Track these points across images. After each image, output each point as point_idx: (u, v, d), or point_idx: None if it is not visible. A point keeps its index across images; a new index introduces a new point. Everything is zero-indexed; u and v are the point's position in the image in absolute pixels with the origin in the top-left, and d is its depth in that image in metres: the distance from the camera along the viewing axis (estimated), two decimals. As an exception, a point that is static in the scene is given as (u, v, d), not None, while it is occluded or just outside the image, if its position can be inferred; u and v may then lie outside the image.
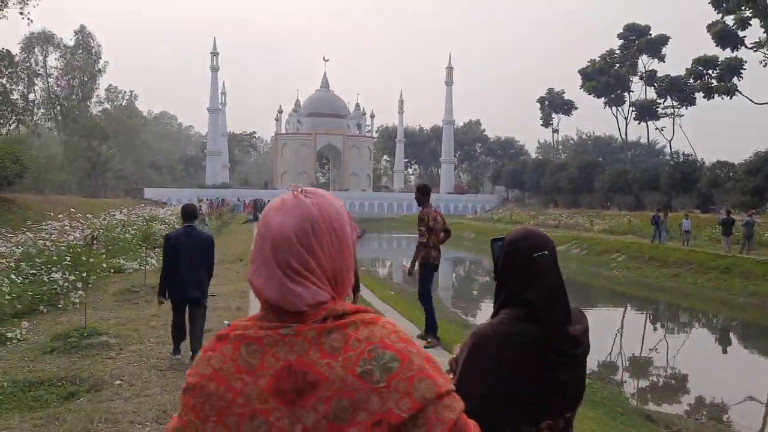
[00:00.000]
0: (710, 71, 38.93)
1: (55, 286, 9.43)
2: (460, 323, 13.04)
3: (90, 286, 10.68)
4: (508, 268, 1.80)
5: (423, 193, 7.71)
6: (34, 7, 33.54)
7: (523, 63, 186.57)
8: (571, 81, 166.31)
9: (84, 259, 10.99)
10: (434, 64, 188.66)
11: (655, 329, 16.78)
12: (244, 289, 11.36)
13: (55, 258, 9.92)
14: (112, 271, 13.41)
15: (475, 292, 23.08)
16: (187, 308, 6.77)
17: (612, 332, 14.95)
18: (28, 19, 34.17)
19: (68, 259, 10.34)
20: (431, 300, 7.73)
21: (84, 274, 10.21)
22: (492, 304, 1.91)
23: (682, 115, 46.71)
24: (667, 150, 72.88)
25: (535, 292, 1.73)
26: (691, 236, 26.53)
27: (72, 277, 9.79)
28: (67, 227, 12.51)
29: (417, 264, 7.59)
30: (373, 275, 20.41)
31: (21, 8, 33.98)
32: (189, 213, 7.12)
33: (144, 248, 17.00)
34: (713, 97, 38.82)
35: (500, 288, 1.83)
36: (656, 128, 48.97)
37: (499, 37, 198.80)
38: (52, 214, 13.80)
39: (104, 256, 12.85)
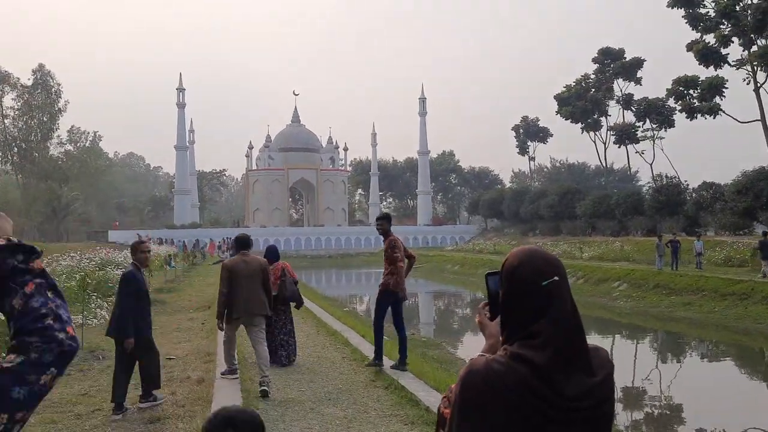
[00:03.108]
0: (691, 91, 38.08)
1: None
2: (439, 359, 11.45)
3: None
4: (513, 300, 1.56)
5: (389, 222, 8.11)
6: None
7: (495, 93, 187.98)
8: (544, 109, 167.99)
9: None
10: (406, 96, 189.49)
11: (679, 365, 14.90)
12: (211, 349, 9.13)
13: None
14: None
15: (459, 325, 21.17)
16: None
17: (631, 373, 13.03)
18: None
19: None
20: (380, 322, 8.02)
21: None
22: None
23: (663, 138, 45.93)
24: (641, 175, 72.91)
25: (546, 324, 1.48)
26: (704, 258, 24.97)
27: (-19, 344, 7.50)
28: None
29: (378, 289, 7.97)
30: (352, 313, 18.30)
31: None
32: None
33: (94, 298, 14.72)
34: (696, 117, 37.87)
35: (504, 323, 1.59)
36: (636, 152, 48.04)
37: (471, 67, 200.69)
38: None
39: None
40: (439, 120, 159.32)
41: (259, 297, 7.36)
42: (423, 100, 74.73)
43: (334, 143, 77.47)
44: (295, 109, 77.55)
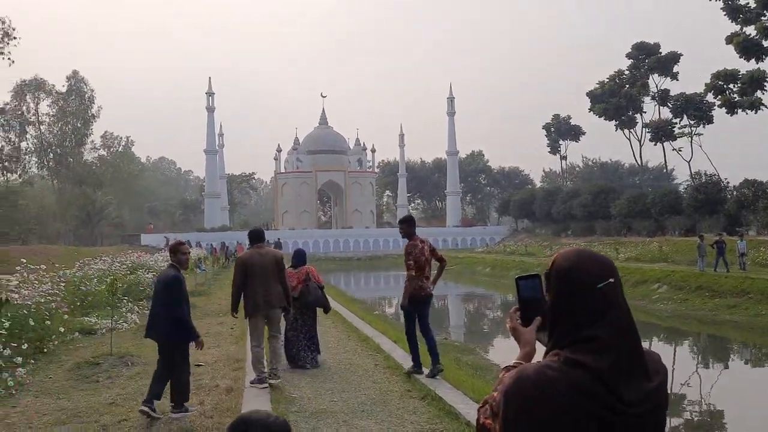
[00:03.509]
0: (731, 85, 36.88)
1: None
2: (474, 365, 11.06)
3: (32, 362, 8.22)
4: (563, 303, 1.51)
5: (410, 225, 7.78)
6: (15, 46, 32.00)
7: (524, 91, 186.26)
8: (575, 107, 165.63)
9: (33, 323, 8.57)
10: (434, 96, 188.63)
11: (722, 370, 14.19)
12: (240, 356, 8.85)
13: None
14: (76, 334, 10.90)
15: (491, 329, 20.62)
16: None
17: (673, 377, 12.42)
18: (10, 59, 32.51)
19: (6, 324, 7.88)
20: (411, 329, 7.76)
21: (24, 346, 7.75)
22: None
23: (701, 134, 44.61)
24: (677, 173, 71.20)
25: (604, 328, 1.44)
26: (747, 258, 23.98)
27: (8, 351, 7.33)
28: (19, 281, 10.06)
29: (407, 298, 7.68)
30: (381, 317, 17.96)
31: (1, 48, 32.33)
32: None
33: (125, 302, 14.61)
34: (736, 112, 36.68)
35: (553, 326, 1.53)
36: (673, 149, 46.81)
37: (499, 65, 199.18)
38: (21, 267, 11.38)
39: (66, 316, 10.37)
40: (468, 119, 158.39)
41: (275, 289, 7.34)
42: (451, 100, 74.14)
43: (362, 145, 77.32)
44: (323, 111, 77.69)
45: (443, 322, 20.83)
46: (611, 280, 1.49)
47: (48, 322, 9.46)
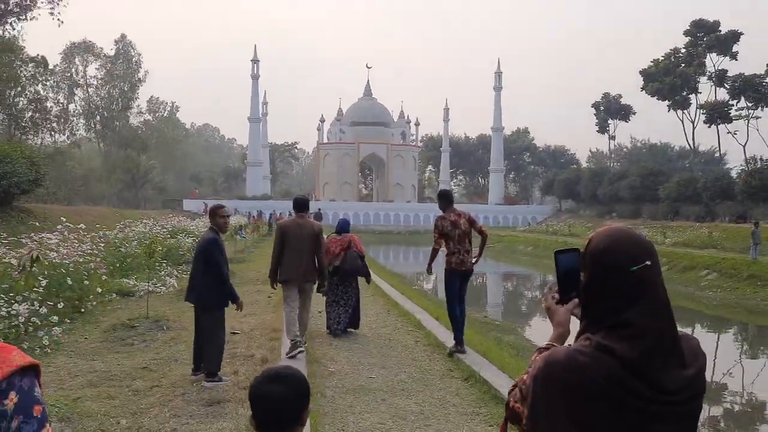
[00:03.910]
0: (796, 67, 34.99)
1: (16, 323, 6.84)
2: (515, 345, 10.50)
3: (68, 322, 8.12)
4: (597, 285, 1.44)
5: (441, 199, 7.77)
6: (65, 6, 32.20)
7: (573, 68, 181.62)
8: (626, 86, 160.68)
9: (71, 283, 8.47)
10: (480, 70, 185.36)
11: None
12: (277, 325, 8.61)
13: (21, 283, 7.35)
14: (114, 295, 10.85)
15: (531, 309, 20.11)
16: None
17: (716, 366, 11.81)
18: (59, 20, 32.79)
19: (43, 283, 7.77)
20: (452, 306, 7.51)
21: (60, 305, 7.64)
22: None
23: (759, 117, 42.57)
24: (729, 158, 68.49)
25: (639, 314, 1.38)
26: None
27: (44, 310, 7.22)
28: (59, 240, 9.98)
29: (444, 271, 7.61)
30: (421, 292, 17.66)
31: (51, 9, 32.61)
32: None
33: (164, 265, 14.59)
34: (799, 96, 34.83)
35: (586, 310, 1.47)
36: (728, 132, 44.78)
37: (549, 41, 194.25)
38: (61, 226, 11.36)
39: (105, 277, 10.30)
40: (515, 96, 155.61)
41: (309, 261, 7.30)
42: (499, 74, 72.54)
43: (406, 118, 76.51)
44: (368, 82, 77.07)
45: (480, 299, 20.39)
46: (647, 262, 1.41)
47: (86, 282, 9.38)
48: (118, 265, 12.88)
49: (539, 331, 13.75)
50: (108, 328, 8.33)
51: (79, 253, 9.97)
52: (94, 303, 9.85)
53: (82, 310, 9.18)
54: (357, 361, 7.32)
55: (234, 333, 8.11)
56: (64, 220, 11.43)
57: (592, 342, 1.40)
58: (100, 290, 9.63)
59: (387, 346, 8.20)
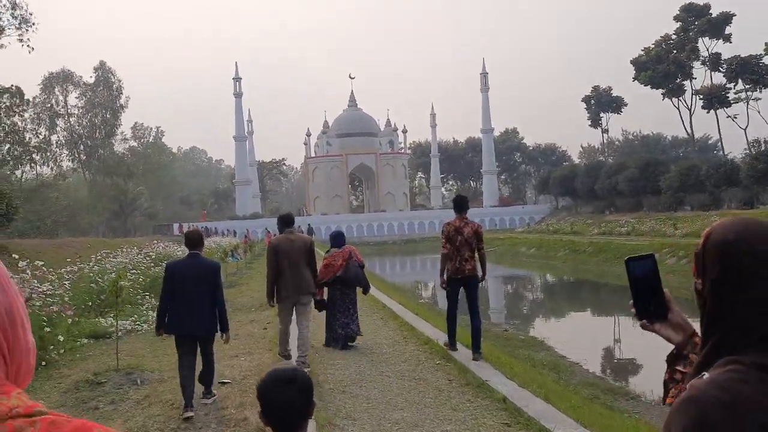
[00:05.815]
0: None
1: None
2: (552, 365, 9.46)
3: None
4: (728, 290, 1.14)
5: (456, 206, 7.86)
6: (35, 32, 30.96)
7: (558, 64, 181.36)
8: (614, 78, 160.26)
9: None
10: (465, 74, 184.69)
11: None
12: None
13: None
14: (85, 340, 9.39)
15: (550, 316, 18.77)
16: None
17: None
18: (29, 46, 31.36)
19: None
20: (451, 310, 7.77)
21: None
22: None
23: (759, 99, 41.51)
24: (725, 143, 67.62)
25: None
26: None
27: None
28: (18, 281, 8.53)
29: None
30: (426, 305, 16.32)
31: (20, 35, 31.21)
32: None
33: (148, 298, 13.18)
34: (799, 74, 33.78)
35: (713, 319, 1.16)
36: (728, 116, 43.65)
37: (529, 39, 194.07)
38: (43, 261, 9.90)
39: (71, 320, 8.85)
40: (501, 97, 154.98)
41: (306, 275, 7.36)
42: (485, 76, 71.60)
43: (393, 126, 75.39)
44: (352, 92, 76.01)
45: (494, 308, 18.99)
46: None
47: (47, 329, 7.94)
48: (90, 303, 11.42)
49: (572, 344, 12.35)
50: (70, 387, 6.87)
51: (39, 294, 8.51)
52: (61, 351, 8.42)
53: (44, 363, 7.73)
54: (353, 374, 6.29)
55: (223, 383, 6.66)
56: (16, 256, 9.93)
57: (746, 362, 1.07)
58: (61, 338, 8.17)
59: (387, 358, 7.02)
